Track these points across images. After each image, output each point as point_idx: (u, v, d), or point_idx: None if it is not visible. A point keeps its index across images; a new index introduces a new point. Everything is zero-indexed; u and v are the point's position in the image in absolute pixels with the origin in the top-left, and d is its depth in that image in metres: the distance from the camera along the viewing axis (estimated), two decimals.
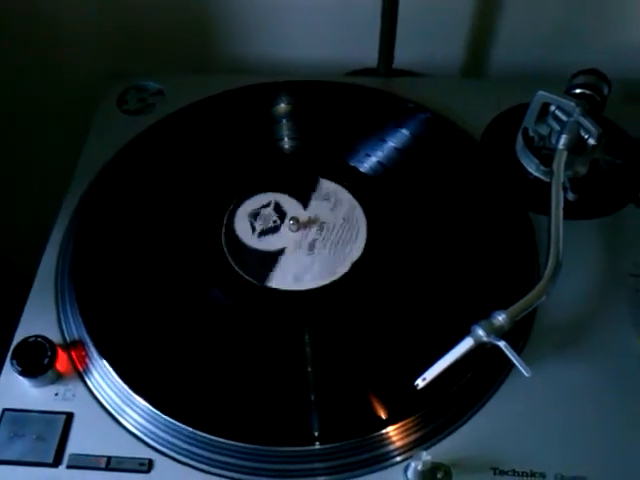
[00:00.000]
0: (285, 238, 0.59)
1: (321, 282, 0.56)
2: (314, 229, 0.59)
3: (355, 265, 0.57)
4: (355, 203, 0.61)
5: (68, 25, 0.77)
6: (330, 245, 0.58)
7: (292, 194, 0.61)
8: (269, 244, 0.59)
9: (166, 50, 0.79)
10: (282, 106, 0.68)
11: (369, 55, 0.76)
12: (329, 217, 0.60)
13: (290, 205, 0.61)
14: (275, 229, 0.60)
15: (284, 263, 0.57)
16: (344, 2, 0.75)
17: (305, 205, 0.61)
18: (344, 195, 0.61)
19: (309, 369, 0.51)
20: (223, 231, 0.60)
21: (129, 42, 0.79)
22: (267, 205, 0.61)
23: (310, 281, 0.56)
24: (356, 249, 0.58)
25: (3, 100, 0.85)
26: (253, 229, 0.60)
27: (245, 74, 0.72)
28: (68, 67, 0.81)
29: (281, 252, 0.58)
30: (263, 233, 0.59)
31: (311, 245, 0.58)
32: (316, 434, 0.47)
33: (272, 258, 0.58)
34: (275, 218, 0.60)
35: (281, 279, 0.56)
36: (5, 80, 0.83)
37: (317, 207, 0.61)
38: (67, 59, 0.80)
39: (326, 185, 0.62)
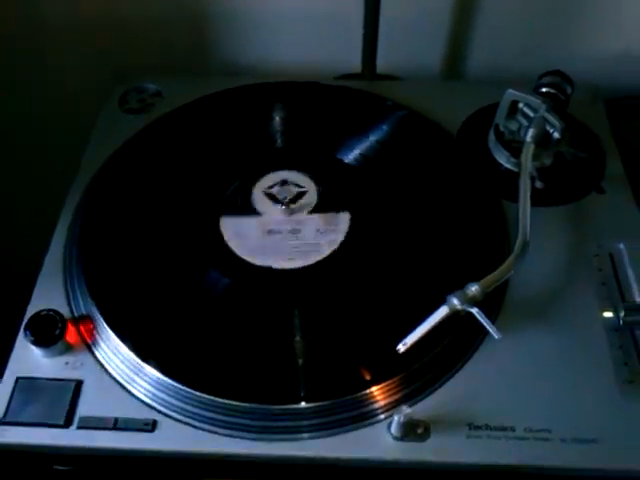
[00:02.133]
0: (270, 210, 0.65)
1: (239, 252, 0.61)
2: (290, 227, 0.64)
3: (341, 244, 0.62)
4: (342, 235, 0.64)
5: (70, 30, 0.82)
6: (283, 244, 0.62)
7: (320, 197, 0.66)
8: (260, 202, 0.66)
9: (163, 56, 0.84)
10: (276, 105, 0.74)
11: (355, 61, 0.82)
12: (310, 233, 0.63)
13: (308, 200, 0.66)
14: (276, 200, 0.66)
15: (244, 221, 0.64)
16: (330, 12, 0.81)
17: (313, 211, 0.65)
18: (342, 227, 0.64)
19: (297, 338, 0.56)
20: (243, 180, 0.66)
21: (129, 46, 0.84)
22: (300, 186, 0.67)
23: (236, 246, 0.62)
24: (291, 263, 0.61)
25: (6, 102, 0.90)
26: (270, 187, 0.67)
27: (240, 76, 0.77)
28: (70, 70, 0.86)
29: (255, 213, 0.65)
30: (268, 195, 0.66)
31: (272, 231, 0.63)
32: (302, 394, 0.52)
33: (247, 210, 0.65)
34: (288, 197, 0.66)
35: (228, 224, 0.63)
36: (7, 82, 0.88)
37: (314, 221, 0.64)
38: (68, 63, 0.85)
39: (341, 219, 0.65)
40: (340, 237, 0.63)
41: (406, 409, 0.49)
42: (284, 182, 0.67)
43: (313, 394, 0.52)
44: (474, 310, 0.52)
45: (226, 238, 0.62)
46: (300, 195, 0.66)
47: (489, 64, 0.85)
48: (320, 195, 0.66)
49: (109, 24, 0.82)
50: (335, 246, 0.62)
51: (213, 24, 0.82)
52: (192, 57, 0.85)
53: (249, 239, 0.62)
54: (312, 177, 0.67)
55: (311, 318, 0.57)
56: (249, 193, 0.66)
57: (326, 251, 0.61)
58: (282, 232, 0.63)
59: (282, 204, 0.65)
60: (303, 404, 0.51)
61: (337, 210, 0.65)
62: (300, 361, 0.54)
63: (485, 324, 0.52)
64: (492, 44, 0.84)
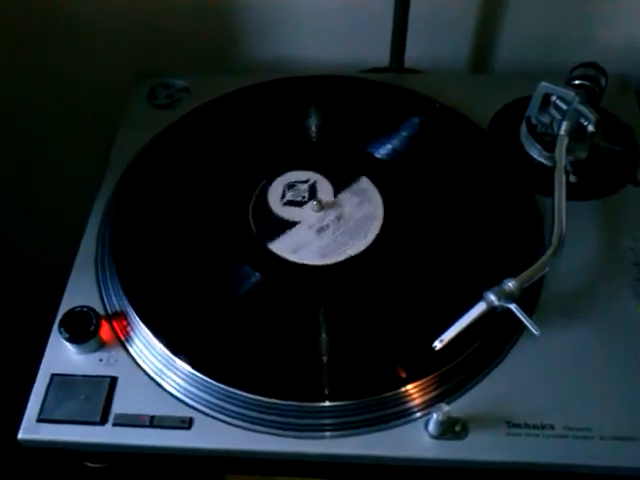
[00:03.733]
0: (304, 214, 0.64)
1: (313, 261, 0.60)
2: (333, 216, 0.64)
3: (375, 241, 0.61)
4: (380, 203, 0.64)
5: (100, 28, 0.83)
6: (338, 234, 0.62)
7: (330, 179, 0.66)
8: (288, 214, 0.64)
9: (189, 51, 0.84)
10: (306, 99, 0.73)
11: (379, 55, 0.81)
12: (351, 209, 0.64)
13: (324, 188, 0.66)
14: (300, 204, 0.64)
15: (291, 234, 0.62)
16: (355, 5, 0.80)
17: (336, 193, 0.65)
18: (375, 197, 0.65)
19: (332, 334, 0.55)
20: (256, 193, 0.65)
21: (154, 43, 0.84)
22: (305, 182, 0.66)
23: (304, 256, 0.60)
24: (362, 245, 0.61)
25: (36, 99, 0.90)
26: (283, 197, 0.65)
27: (267, 72, 0.77)
28: (100, 67, 0.86)
29: (294, 224, 0.63)
30: (289, 203, 0.65)
31: (322, 228, 0.63)
32: (339, 391, 0.51)
33: (284, 226, 0.63)
34: (305, 195, 0.65)
35: (282, 247, 0.61)
36: (37, 78, 0.88)
37: (346, 198, 0.65)
38: (99, 59, 0.85)
39: (364, 184, 0.66)
40: (379, 202, 0.64)
41: (444, 407, 0.49)
42: (290, 185, 0.66)
43: (349, 391, 0.51)
44: (512, 306, 0.52)
45: (287, 257, 0.61)
46: (313, 188, 0.66)
47: (516, 57, 0.84)
48: (330, 179, 0.66)
49: (136, 18, 0.81)
50: (343, 257, 0.61)
51: (237, 18, 0.82)
52: (217, 54, 0.84)
53: (310, 246, 0.61)
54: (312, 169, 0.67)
55: (346, 314, 0.57)
56: (269, 210, 0.64)
57: (330, 258, 0.61)
58: (330, 225, 0.63)
59: (308, 202, 0.64)
60: (339, 402, 0.51)
61: (353, 179, 0.65)
62: (336, 358, 0.53)
63: (524, 320, 0.51)
64: (519, 36, 0.83)
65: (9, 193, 1.04)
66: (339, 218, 0.63)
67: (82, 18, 0.81)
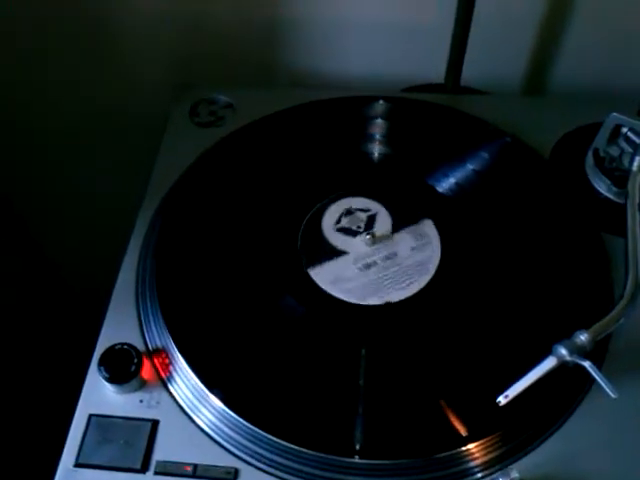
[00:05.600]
0: (354, 245, 0.60)
1: (346, 297, 0.57)
2: (383, 254, 0.60)
3: (428, 283, 0.57)
4: (437, 252, 0.60)
5: (136, 39, 0.79)
6: (383, 275, 0.58)
7: (392, 214, 0.62)
8: (339, 241, 0.60)
9: (232, 65, 0.81)
10: (360, 121, 0.69)
11: (430, 71, 0.77)
12: (405, 252, 0.60)
13: (383, 222, 0.62)
14: (354, 233, 0.61)
15: (336, 264, 0.59)
16: (407, 19, 0.77)
17: (395, 230, 0.61)
18: (434, 243, 0.60)
19: (360, 382, 0.52)
20: (308, 217, 0.62)
21: (195, 56, 0.80)
22: (365, 210, 0.62)
23: (340, 291, 0.57)
24: (408, 290, 0.57)
25: (69, 114, 0.87)
26: (338, 222, 0.62)
27: (316, 88, 0.73)
28: (135, 80, 0.83)
29: (342, 254, 0.60)
30: (342, 230, 0.61)
31: (368, 265, 0.59)
32: (393, 449, 0.48)
33: (331, 253, 0.59)
34: (361, 225, 0.61)
35: (322, 275, 0.58)
36: (70, 93, 0.85)
37: (403, 238, 0.61)
38: (135, 72, 0.82)
39: (427, 227, 0.61)
40: (436, 251, 0.59)
41: (514, 473, 0.45)
42: (348, 211, 0.63)
43: (403, 449, 0.48)
44: (587, 364, 0.48)
45: (325, 288, 0.57)
46: (371, 219, 0.62)
47: (574, 78, 0.80)
48: (392, 213, 0.62)
49: (177, 27, 0.78)
50: (436, 262, 0.58)
51: (284, 30, 0.78)
52: (259, 68, 0.81)
53: (351, 281, 0.58)
54: (375, 198, 0.63)
55: (389, 360, 0.53)
56: (321, 235, 0.61)
57: (431, 269, 0.58)
58: (377, 262, 0.59)
59: (362, 234, 0.61)
60: (395, 460, 0.48)
61: (416, 220, 0.61)
62: (389, 413, 0.50)
63: (599, 380, 0.47)
64: (578, 56, 0.78)
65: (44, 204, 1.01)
66: (389, 258, 0.59)
67: (117, 27, 0.78)
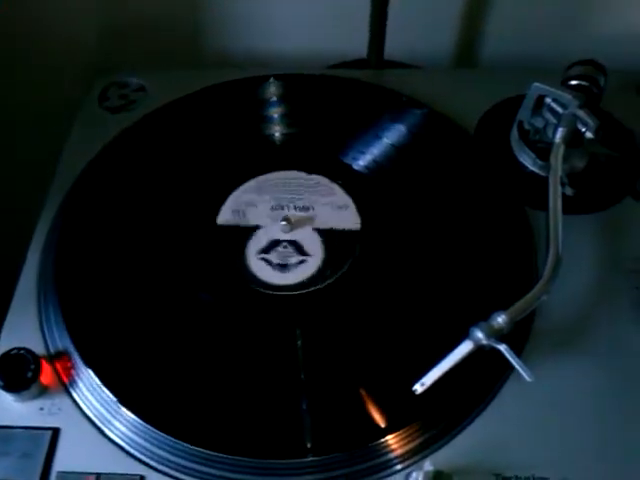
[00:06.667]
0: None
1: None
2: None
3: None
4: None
5: (52, 23, 0.75)
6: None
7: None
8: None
9: (151, 45, 0.76)
10: (271, 100, 0.66)
11: (357, 46, 0.74)
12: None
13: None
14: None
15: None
16: None
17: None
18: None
19: (302, 376, 0.49)
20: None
21: (113, 38, 0.76)
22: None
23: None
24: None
25: None
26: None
27: (231, 68, 0.70)
28: (52, 67, 0.78)
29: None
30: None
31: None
32: (309, 445, 0.46)
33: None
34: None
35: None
36: None
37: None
38: (51, 58, 0.78)
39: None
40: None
41: (428, 466, 0.43)
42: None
43: (318, 446, 0.46)
44: (502, 347, 0.46)
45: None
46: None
47: (507, 50, 0.78)
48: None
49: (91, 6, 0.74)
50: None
51: (205, 7, 0.74)
52: (182, 48, 0.77)
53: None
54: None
55: (314, 353, 0.51)
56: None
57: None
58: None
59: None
60: (309, 458, 0.45)
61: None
62: (300, 407, 0.47)
63: (515, 364, 0.45)
64: (510, 27, 0.76)
65: None
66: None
67: (32, 13, 0.73)
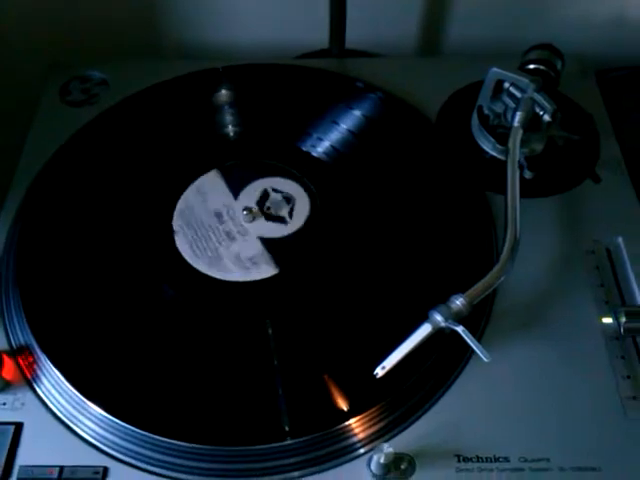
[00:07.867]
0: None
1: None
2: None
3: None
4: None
5: (8, 18, 0.74)
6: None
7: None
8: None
9: (110, 38, 0.76)
10: (225, 92, 0.66)
11: (323, 37, 0.74)
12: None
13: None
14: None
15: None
16: None
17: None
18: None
19: (275, 362, 0.50)
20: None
21: (69, 31, 0.75)
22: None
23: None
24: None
25: None
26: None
27: (192, 60, 0.70)
28: (5, 64, 0.77)
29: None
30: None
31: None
32: (286, 429, 0.46)
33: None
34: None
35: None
36: None
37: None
38: (10, 55, 0.77)
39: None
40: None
41: (387, 448, 0.44)
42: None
43: (284, 432, 0.46)
44: (459, 329, 0.46)
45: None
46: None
47: (468, 37, 0.78)
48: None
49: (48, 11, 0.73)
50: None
51: (167, 4, 0.74)
52: (142, 40, 0.77)
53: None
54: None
55: (279, 341, 0.51)
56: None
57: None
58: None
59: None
60: (274, 444, 0.45)
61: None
62: (267, 394, 0.48)
63: (473, 345, 0.46)
64: (471, 14, 0.76)
65: None
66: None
67: None
